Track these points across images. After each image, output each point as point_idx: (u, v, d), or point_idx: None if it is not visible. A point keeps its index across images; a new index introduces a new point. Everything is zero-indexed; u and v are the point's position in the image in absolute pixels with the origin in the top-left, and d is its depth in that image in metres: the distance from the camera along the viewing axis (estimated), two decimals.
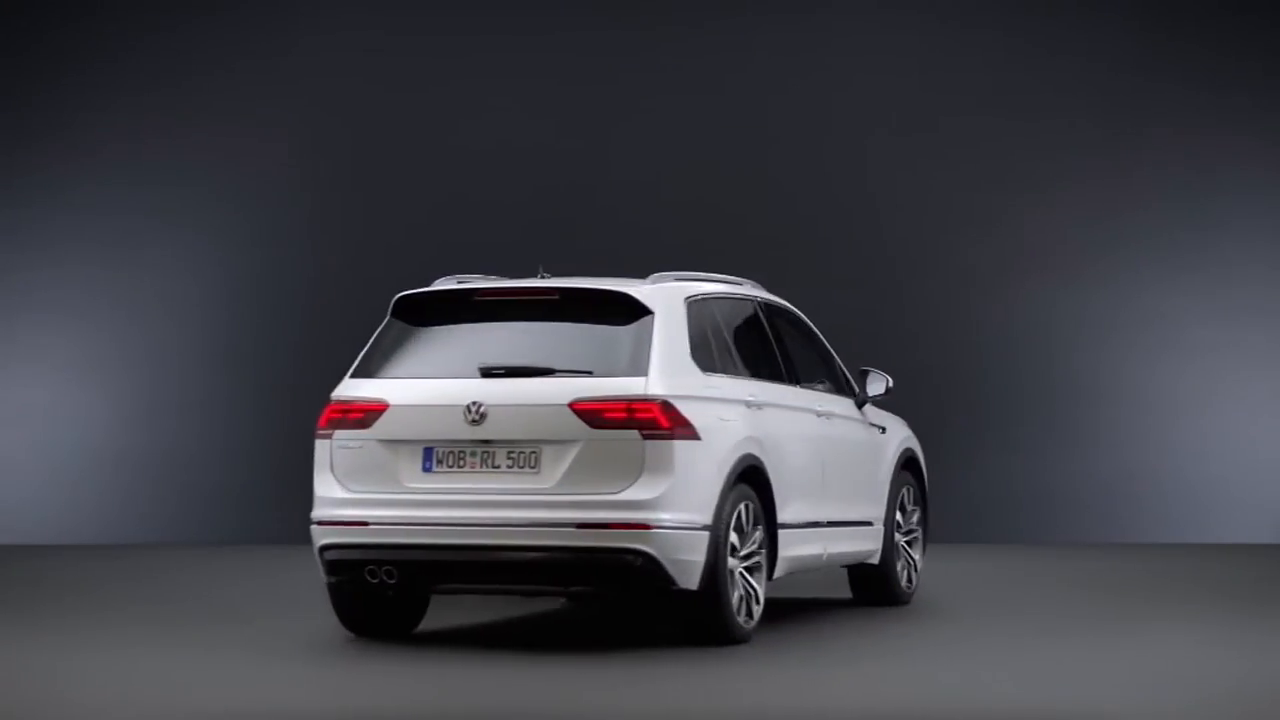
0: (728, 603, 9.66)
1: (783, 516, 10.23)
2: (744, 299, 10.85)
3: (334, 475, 9.79)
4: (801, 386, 10.99)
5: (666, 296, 9.88)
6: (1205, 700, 8.35)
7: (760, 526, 9.99)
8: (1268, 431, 18.05)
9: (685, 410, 9.50)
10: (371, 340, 10.11)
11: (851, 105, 18.37)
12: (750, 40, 18.40)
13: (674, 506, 9.39)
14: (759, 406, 10.20)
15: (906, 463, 12.05)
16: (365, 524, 9.64)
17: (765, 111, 18.39)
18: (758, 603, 9.97)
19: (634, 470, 9.38)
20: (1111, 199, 18.36)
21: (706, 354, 9.98)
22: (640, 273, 10.97)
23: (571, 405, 9.45)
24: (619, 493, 9.36)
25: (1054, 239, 18.30)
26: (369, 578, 9.65)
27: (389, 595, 10.16)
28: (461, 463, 9.59)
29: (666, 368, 9.58)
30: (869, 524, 11.53)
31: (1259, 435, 18.04)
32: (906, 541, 12.02)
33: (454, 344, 9.96)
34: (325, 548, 9.78)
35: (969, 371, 17.95)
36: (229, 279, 18.19)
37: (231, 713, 8.13)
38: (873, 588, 11.88)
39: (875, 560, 11.64)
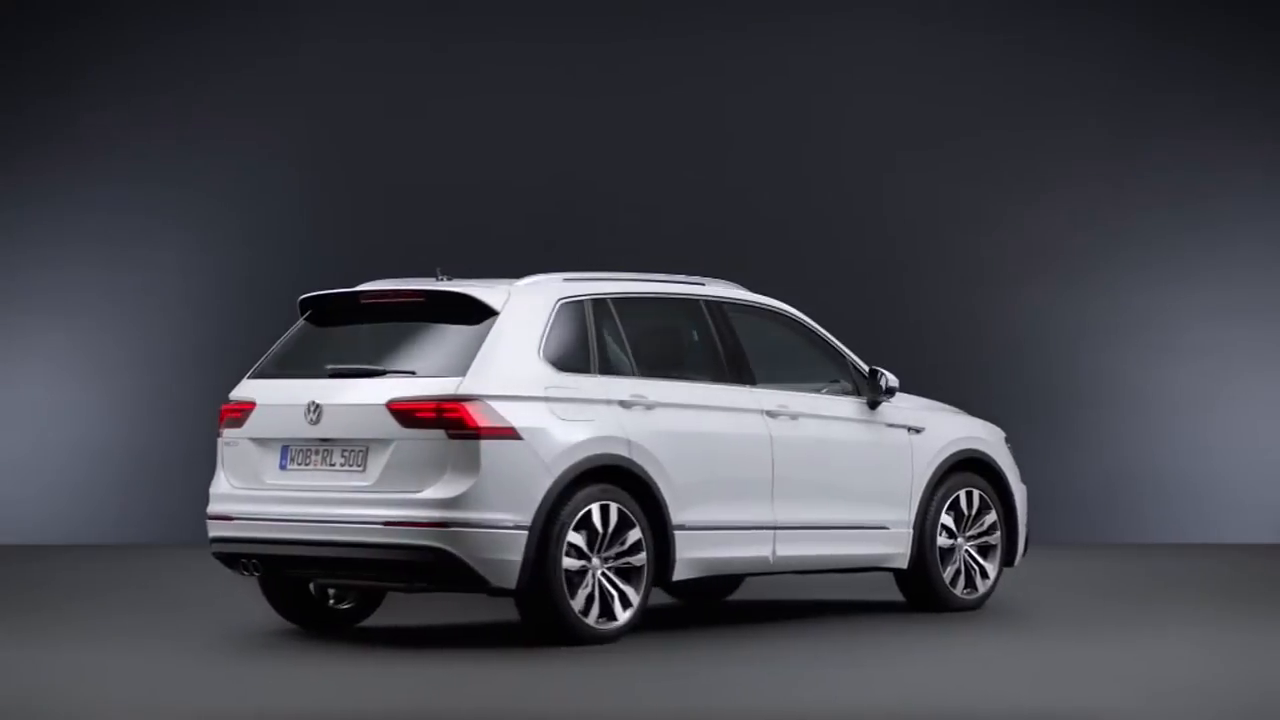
0: (562, 602, 9.74)
1: (681, 518, 10.21)
2: (683, 299, 10.84)
3: (223, 472, 10.36)
4: (761, 387, 10.84)
5: (524, 297, 10.07)
6: (1205, 700, 8.34)
7: (638, 528, 10.00)
8: (1270, 431, 18.03)
9: (504, 410, 9.67)
10: (279, 341, 10.57)
11: (856, 108, 18.35)
12: (758, 43, 18.39)
13: (479, 506, 9.56)
14: (648, 407, 10.21)
15: (967, 465, 11.69)
16: (231, 518, 10.20)
17: (770, 113, 18.37)
18: (627, 605, 9.99)
19: (440, 469, 9.61)
20: (1113, 200, 18.34)
21: (577, 354, 10.12)
22: (646, 269, 11.16)
23: (388, 405, 9.72)
24: (420, 491, 9.61)
25: (1056, 240, 18.28)
26: (242, 570, 10.18)
27: (312, 588, 10.64)
28: (308, 461, 10.02)
29: (493, 368, 9.76)
30: (881, 528, 11.27)
31: (1261, 435, 18.02)
32: (976, 548, 11.68)
33: (327, 345, 10.42)
34: (210, 540, 10.32)
35: (970, 371, 17.92)
36: (229, 279, 18.18)
37: (196, 713, 8.14)
38: (913, 593, 11.63)
39: (900, 565, 11.37)
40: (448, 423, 9.61)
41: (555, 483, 9.73)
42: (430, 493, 9.60)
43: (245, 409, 10.27)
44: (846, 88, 18.37)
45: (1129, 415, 18.11)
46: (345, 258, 17.76)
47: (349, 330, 10.51)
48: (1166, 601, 12.56)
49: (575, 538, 9.80)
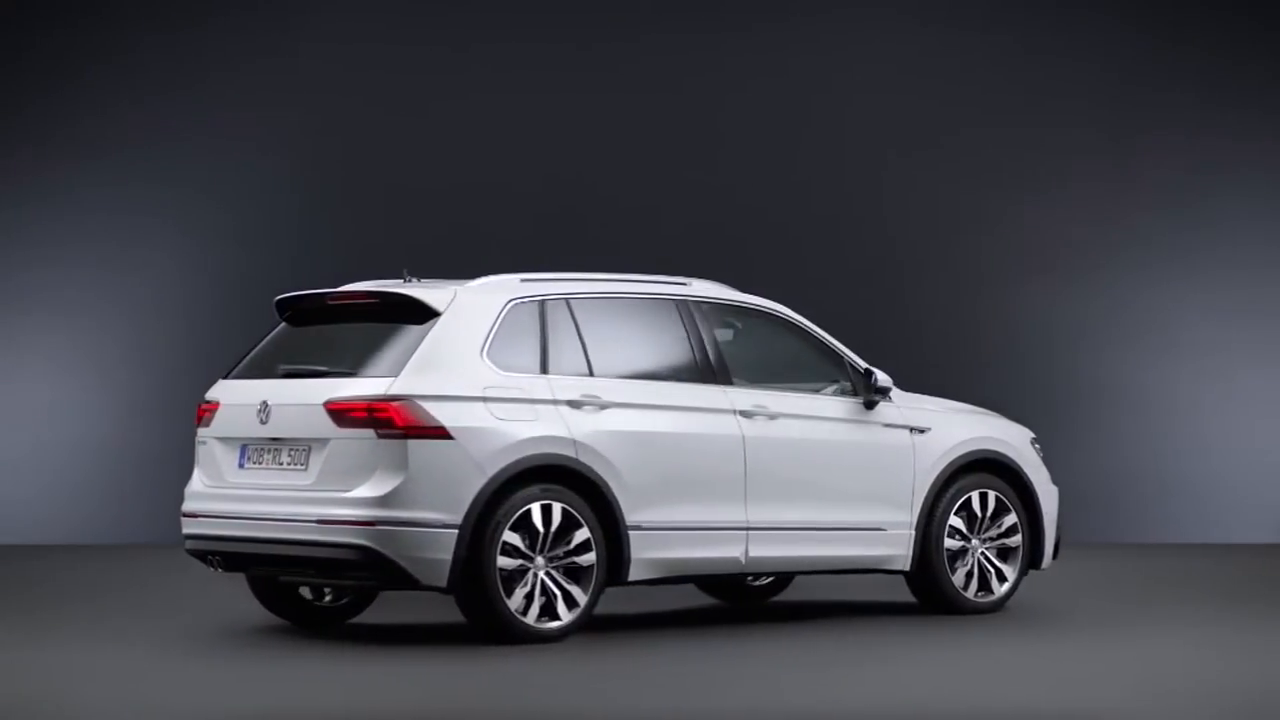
0: (497, 601, 9.84)
1: (636, 518, 10.25)
2: (654, 299, 10.81)
3: (197, 470, 10.63)
4: (738, 387, 10.79)
5: (470, 299, 10.21)
6: (1205, 700, 8.34)
7: (585, 528, 10.05)
8: (1270, 431, 18.01)
9: (436, 410, 9.81)
10: (260, 341, 10.84)
11: (856, 108, 18.34)
12: (757, 44, 18.38)
13: (407, 505, 9.71)
14: (601, 407, 10.26)
15: (983, 466, 11.53)
16: (198, 515, 10.51)
17: (770, 113, 18.37)
18: (573, 605, 10.04)
19: (370, 469, 9.78)
20: (1114, 200, 18.33)
21: (526, 354, 10.21)
22: (645, 269, 11.20)
23: (325, 405, 9.93)
24: (350, 490, 9.80)
25: (1056, 239, 18.27)
26: (210, 565, 10.51)
27: (299, 586, 10.85)
28: (261, 460, 10.27)
29: (428, 368, 9.91)
30: (877, 529, 11.15)
31: (1261, 435, 18.01)
32: (996, 550, 11.50)
33: (298, 345, 10.64)
34: (183, 537, 10.60)
35: (970, 371, 17.91)
36: (228, 279, 18.16)
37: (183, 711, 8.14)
38: (921, 595, 11.51)
39: (901, 566, 11.24)
40: (378, 422, 9.78)
41: (489, 482, 9.84)
42: (359, 492, 9.78)
43: (211, 409, 10.60)
44: (846, 87, 18.36)
45: (1129, 415, 18.09)
46: (344, 258, 17.74)
47: (319, 331, 10.67)
48: (1166, 601, 12.56)
49: (512, 537, 9.88)
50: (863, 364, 11.34)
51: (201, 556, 10.52)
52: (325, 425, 9.92)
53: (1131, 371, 18.13)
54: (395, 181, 18.31)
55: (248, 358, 10.76)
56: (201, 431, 10.61)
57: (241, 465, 10.36)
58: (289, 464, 10.10)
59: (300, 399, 10.10)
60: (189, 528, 10.55)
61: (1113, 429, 18.07)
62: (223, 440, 10.46)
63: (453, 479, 9.78)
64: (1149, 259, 18.19)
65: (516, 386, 10.08)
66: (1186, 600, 12.61)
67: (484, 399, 9.96)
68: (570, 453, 10.09)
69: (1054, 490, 11.92)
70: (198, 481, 10.59)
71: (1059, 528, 11.94)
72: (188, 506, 10.59)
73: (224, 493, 10.39)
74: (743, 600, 12.39)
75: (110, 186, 18.28)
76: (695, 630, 11.10)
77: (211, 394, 10.67)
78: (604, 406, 10.29)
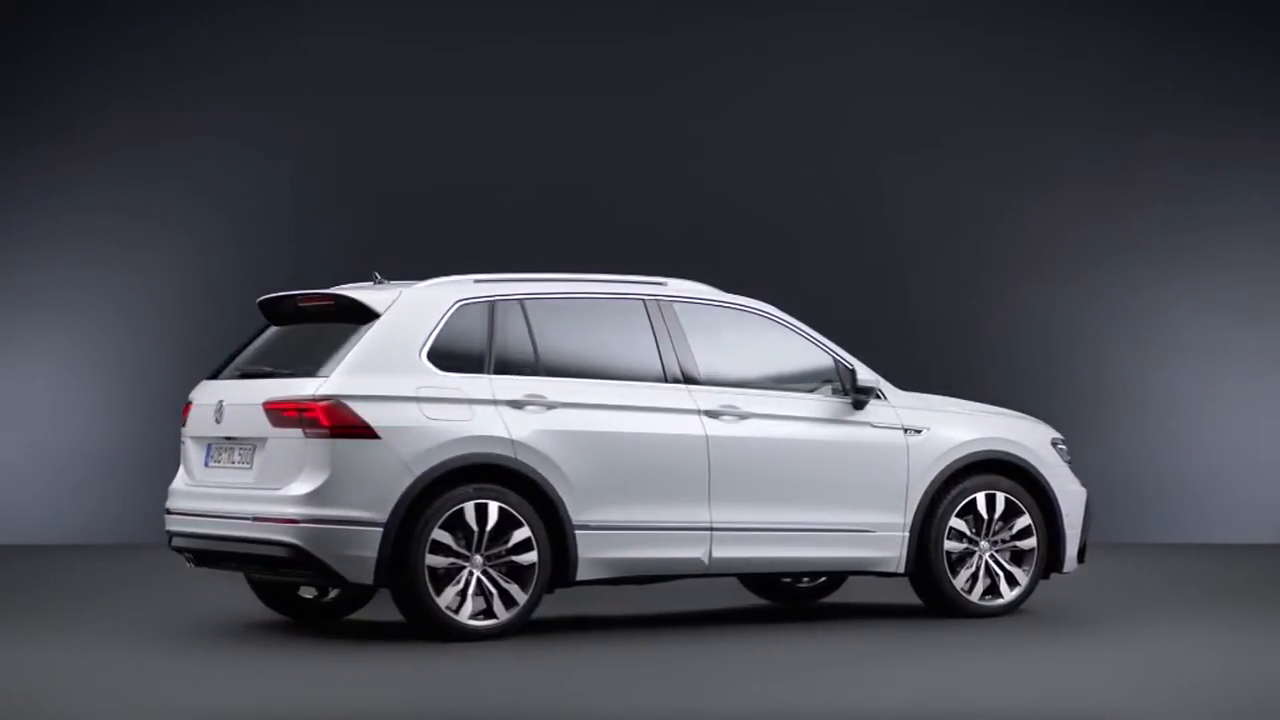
0: (425, 598, 9.92)
1: (584, 517, 10.26)
2: (620, 299, 10.77)
3: (181, 468, 10.90)
4: (707, 387, 10.70)
5: (413, 299, 10.31)
6: (1205, 700, 8.35)
7: (525, 527, 10.08)
8: (1269, 431, 18.02)
9: (363, 410, 9.94)
10: (249, 342, 11.05)
11: (857, 109, 18.35)
12: (755, 44, 18.38)
13: (331, 503, 9.86)
14: (547, 407, 10.26)
15: (993, 467, 11.39)
16: (173, 513, 10.82)
17: (767, 113, 18.37)
18: (511, 604, 10.07)
19: (298, 467, 9.97)
20: (1113, 199, 18.33)
21: (470, 355, 10.28)
22: (643, 270, 11.23)
23: (264, 405, 10.17)
24: (279, 489, 10.00)
25: (1055, 239, 18.27)
26: (187, 561, 10.78)
27: (298, 584, 11.00)
28: (220, 458, 10.54)
29: (360, 369, 10.05)
30: (864, 530, 10.99)
31: (1261, 435, 18.01)
32: (1009, 554, 11.30)
33: (268, 346, 10.82)
34: (165, 534, 10.87)
35: (969, 372, 17.91)
36: (227, 280, 18.16)
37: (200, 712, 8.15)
38: (923, 597, 11.36)
39: (892, 569, 11.08)
40: (306, 422, 9.97)
41: (416, 481, 9.94)
42: (287, 490, 9.98)
43: (189, 409, 10.89)
44: (845, 87, 18.36)
45: (1129, 415, 18.09)
46: (342, 259, 17.74)
47: (294, 331, 10.82)
48: (1167, 601, 12.56)
49: (444, 536, 9.96)
50: (851, 363, 11.19)
51: (180, 552, 10.80)
52: (264, 425, 10.15)
53: (1131, 371, 18.13)
54: (393, 182, 18.30)
55: (232, 359, 10.93)
56: (183, 431, 10.91)
57: (206, 464, 10.63)
58: (238, 462, 10.36)
59: (246, 399, 10.34)
60: (169, 524, 10.86)
61: (1113, 429, 18.07)
62: (195, 439, 10.76)
63: (379, 478, 9.90)
64: (1149, 259, 18.19)
65: (454, 387, 10.15)
66: (1186, 600, 12.61)
67: (416, 399, 10.06)
68: (508, 452, 10.13)
69: (1080, 492, 11.68)
70: (179, 479, 10.90)
71: (1085, 531, 11.66)
72: (168, 503, 10.90)
73: (195, 490, 10.69)
74: (794, 601, 12.27)
75: (110, 186, 18.29)
76: (697, 631, 11.10)
77: (192, 394, 10.92)
78: (551, 406, 10.31)
